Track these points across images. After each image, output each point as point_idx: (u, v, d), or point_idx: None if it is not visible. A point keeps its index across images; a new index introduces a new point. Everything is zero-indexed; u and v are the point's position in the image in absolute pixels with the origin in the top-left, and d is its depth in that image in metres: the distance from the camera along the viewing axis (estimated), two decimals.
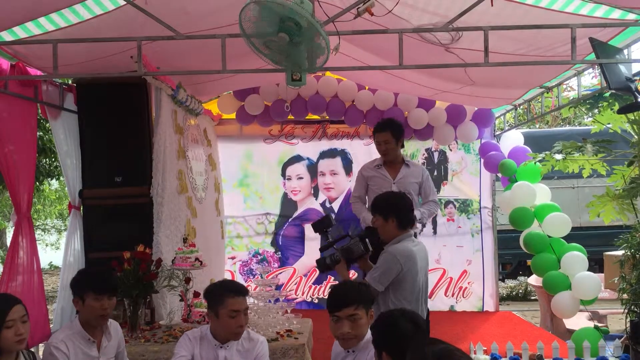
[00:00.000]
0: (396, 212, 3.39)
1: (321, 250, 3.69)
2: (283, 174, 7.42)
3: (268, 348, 3.18)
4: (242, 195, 7.41)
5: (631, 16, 3.77)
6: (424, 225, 7.04)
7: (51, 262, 16.04)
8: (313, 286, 7.29)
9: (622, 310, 4.36)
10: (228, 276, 7.14)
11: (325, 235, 3.66)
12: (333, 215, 7.11)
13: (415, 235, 4.57)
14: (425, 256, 3.47)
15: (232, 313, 2.90)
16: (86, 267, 3.22)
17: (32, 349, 3.11)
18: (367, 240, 3.50)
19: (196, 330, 3.11)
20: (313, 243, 7.31)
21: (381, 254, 3.35)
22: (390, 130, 4.65)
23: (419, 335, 2.23)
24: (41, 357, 2.93)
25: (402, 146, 4.84)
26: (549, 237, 6.05)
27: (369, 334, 2.72)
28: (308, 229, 7.30)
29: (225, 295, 2.92)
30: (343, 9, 3.59)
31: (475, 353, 4.54)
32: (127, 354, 3.40)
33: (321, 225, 3.70)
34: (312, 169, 7.40)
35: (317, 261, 3.61)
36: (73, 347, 2.89)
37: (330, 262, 3.53)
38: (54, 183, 14.16)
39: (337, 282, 7.08)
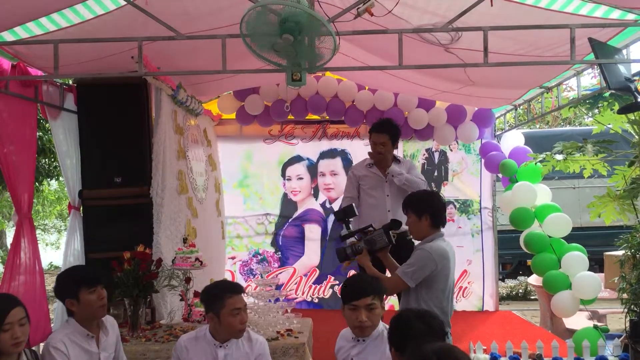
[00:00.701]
0: (430, 210, 3.36)
1: (342, 238, 3.65)
2: (283, 175, 7.42)
3: (268, 347, 3.18)
4: (242, 195, 7.42)
5: (630, 16, 3.78)
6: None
7: (51, 262, 16.03)
8: (313, 286, 7.30)
9: (622, 310, 4.37)
10: (228, 276, 7.15)
11: (347, 225, 3.60)
12: (333, 217, 7.15)
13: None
14: (454, 255, 3.44)
15: (234, 311, 2.94)
16: (64, 271, 3.20)
17: (34, 348, 3.11)
18: (390, 232, 3.46)
19: (192, 332, 3.14)
20: (313, 243, 7.33)
21: (414, 251, 3.35)
22: (388, 133, 4.66)
23: (429, 337, 2.25)
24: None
25: (396, 147, 4.85)
26: (549, 237, 6.06)
27: (380, 326, 2.82)
28: (308, 229, 7.32)
29: (224, 296, 2.94)
30: (343, 9, 3.60)
31: (475, 352, 4.54)
32: (129, 353, 3.41)
33: (344, 215, 3.64)
34: (312, 169, 7.40)
35: (337, 250, 3.56)
36: (72, 346, 2.87)
37: (351, 252, 3.47)
38: (53, 183, 14.16)
39: (337, 281, 7.14)
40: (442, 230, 3.44)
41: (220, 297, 2.94)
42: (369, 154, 4.82)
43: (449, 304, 3.38)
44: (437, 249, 3.29)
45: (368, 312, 2.75)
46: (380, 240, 3.43)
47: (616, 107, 5.46)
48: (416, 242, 3.49)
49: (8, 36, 3.88)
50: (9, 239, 13.54)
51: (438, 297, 3.29)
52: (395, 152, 4.87)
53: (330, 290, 7.25)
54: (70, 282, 2.95)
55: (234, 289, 3.03)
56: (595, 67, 4.63)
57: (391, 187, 4.68)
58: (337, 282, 7.19)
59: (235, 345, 3.03)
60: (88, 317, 2.95)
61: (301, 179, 7.43)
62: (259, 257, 7.40)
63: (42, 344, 4.07)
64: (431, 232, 3.37)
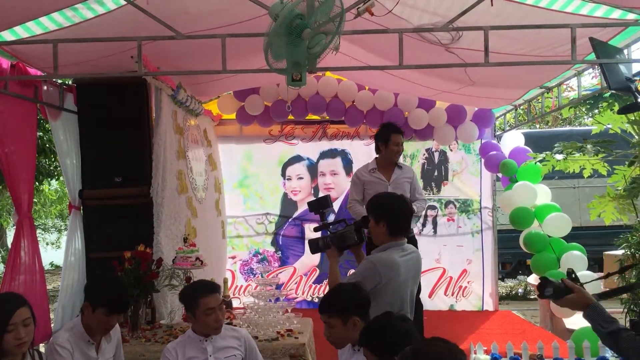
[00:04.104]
0: (388, 216, 3.09)
1: (315, 230, 3.60)
2: (283, 174, 7.42)
3: (267, 347, 3.20)
4: (242, 195, 7.43)
5: (631, 16, 3.78)
6: (423, 225, 7.08)
7: (52, 261, 16.02)
8: (313, 285, 7.30)
9: (622, 310, 4.37)
10: (229, 275, 7.15)
11: (322, 216, 3.53)
12: (333, 216, 7.14)
13: (411, 239, 4.58)
14: (415, 267, 3.19)
15: (208, 311, 2.98)
16: (105, 275, 3.20)
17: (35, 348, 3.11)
18: (362, 229, 3.33)
19: (176, 339, 3.17)
20: None
21: (362, 261, 3.20)
22: (403, 135, 4.95)
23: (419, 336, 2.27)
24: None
25: None
26: (549, 236, 6.06)
27: None
28: (308, 228, 7.31)
29: (197, 297, 3.00)
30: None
31: (475, 353, 4.53)
32: (128, 353, 3.41)
33: (318, 205, 3.56)
34: (312, 169, 7.41)
35: (310, 241, 3.51)
36: (76, 347, 2.90)
37: (322, 246, 3.41)
38: (54, 183, 14.15)
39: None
40: (404, 239, 3.16)
41: (194, 298, 3.00)
42: (386, 154, 4.89)
43: None
44: (384, 260, 3.03)
45: (328, 328, 2.69)
46: (350, 238, 3.33)
47: (616, 107, 5.47)
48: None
49: (8, 36, 3.88)
50: (10, 239, 13.55)
51: (385, 310, 3.04)
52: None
53: None
54: (99, 294, 2.95)
55: (207, 288, 3.05)
56: (596, 67, 4.63)
57: (394, 190, 4.65)
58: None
59: (220, 336, 3.09)
60: (93, 327, 2.96)
61: (301, 178, 7.43)
62: (259, 257, 7.40)
63: (41, 345, 4.08)
64: (388, 239, 3.10)
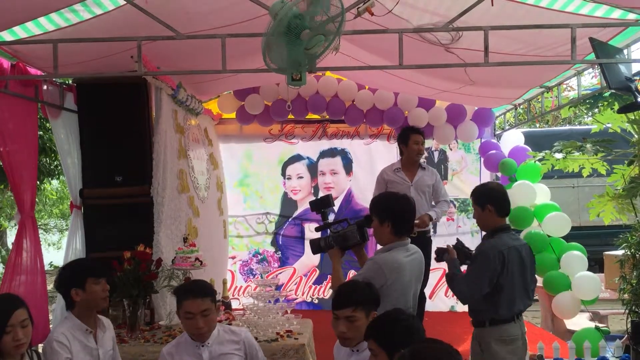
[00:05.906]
0: (393, 216, 3.09)
1: (317, 230, 3.56)
2: (283, 174, 7.42)
3: (267, 348, 3.17)
4: (242, 194, 7.42)
5: (631, 16, 3.78)
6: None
7: (51, 262, 16.01)
8: (313, 286, 7.30)
9: (623, 311, 4.36)
10: (229, 276, 7.15)
11: (324, 215, 3.51)
12: (333, 215, 7.14)
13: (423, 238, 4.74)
14: (419, 267, 3.20)
15: (187, 315, 2.84)
16: (70, 262, 3.27)
17: (33, 348, 3.11)
18: (365, 228, 3.32)
19: (173, 341, 3.09)
20: None
21: (367, 261, 3.18)
22: (423, 136, 5.20)
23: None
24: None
25: None
26: (549, 236, 6.05)
27: None
28: (308, 228, 7.31)
29: (181, 298, 2.89)
30: None
31: None
32: (127, 354, 3.41)
33: (320, 204, 3.54)
34: (312, 168, 7.41)
35: (311, 241, 3.50)
36: (73, 340, 2.87)
37: (324, 246, 3.39)
38: (55, 183, 14.14)
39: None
40: (408, 239, 3.16)
41: (179, 299, 2.90)
42: (408, 154, 5.11)
43: None
44: (390, 261, 3.03)
45: (348, 323, 2.60)
46: (352, 237, 3.31)
47: (616, 106, 5.46)
48: (378, 247, 3.27)
49: (7, 36, 3.87)
50: (10, 239, 13.55)
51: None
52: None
53: (330, 290, 7.23)
54: (77, 272, 2.98)
55: (191, 291, 2.88)
56: (596, 66, 4.63)
57: (416, 191, 4.96)
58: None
59: (216, 340, 2.94)
60: (90, 307, 2.94)
61: (301, 177, 7.43)
62: (259, 257, 7.39)
63: (40, 345, 4.08)
64: (393, 239, 3.10)
